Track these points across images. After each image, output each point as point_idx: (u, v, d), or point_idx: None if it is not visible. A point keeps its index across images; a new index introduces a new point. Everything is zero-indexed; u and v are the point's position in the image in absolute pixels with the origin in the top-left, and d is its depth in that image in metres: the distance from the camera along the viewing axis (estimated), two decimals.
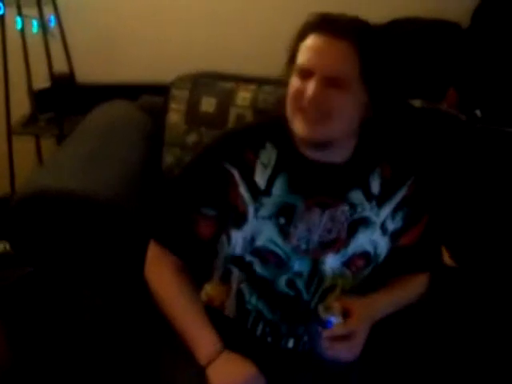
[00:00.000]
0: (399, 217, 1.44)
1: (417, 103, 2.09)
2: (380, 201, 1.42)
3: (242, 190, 1.38)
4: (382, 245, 1.44)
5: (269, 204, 1.37)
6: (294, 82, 1.33)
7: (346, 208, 1.39)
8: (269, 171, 1.38)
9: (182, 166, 1.88)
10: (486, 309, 1.75)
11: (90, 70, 2.74)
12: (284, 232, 1.37)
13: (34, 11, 2.52)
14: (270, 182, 1.38)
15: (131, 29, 2.72)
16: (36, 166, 2.87)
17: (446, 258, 1.87)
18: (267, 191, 1.37)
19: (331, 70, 1.28)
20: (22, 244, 1.73)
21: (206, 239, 1.42)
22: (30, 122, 2.74)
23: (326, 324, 1.30)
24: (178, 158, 2.14)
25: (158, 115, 2.25)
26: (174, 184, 1.51)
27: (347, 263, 1.41)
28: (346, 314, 1.32)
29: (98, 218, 1.69)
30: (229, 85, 2.19)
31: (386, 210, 1.43)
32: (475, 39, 2.36)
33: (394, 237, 1.45)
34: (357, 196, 1.40)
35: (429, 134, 2.00)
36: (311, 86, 1.28)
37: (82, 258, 1.72)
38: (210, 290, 1.50)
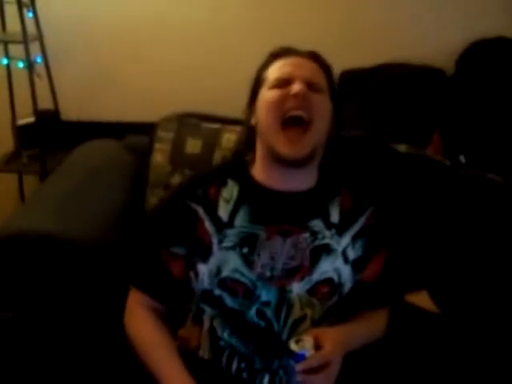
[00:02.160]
0: (359, 245, 1.50)
1: (402, 148, 2.10)
2: (340, 229, 1.48)
3: (207, 225, 1.44)
4: (346, 273, 1.48)
5: (232, 235, 1.43)
6: (271, 93, 1.43)
7: (307, 235, 1.44)
8: (231, 205, 1.46)
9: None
10: (469, 355, 1.73)
11: (76, 108, 2.74)
12: (248, 261, 1.41)
13: (20, 48, 2.51)
14: (233, 214, 1.45)
15: (117, 68, 2.72)
16: (18, 204, 2.84)
17: (430, 304, 1.87)
18: (230, 223, 1.44)
19: (310, 76, 1.43)
20: (1, 287, 1.70)
21: (179, 279, 1.47)
22: (13, 158, 2.72)
23: (298, 357, 1.30)
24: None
25: (142, 155, 2.25)
26: (143, 227, 1.58)
27: (312, 291, 1.43)
28: (317, 346, 1.33)
29: (77, 261, 1.67)
30: (214, 126, 2.20)
31: (347, 239, 1.48)
32: (460, 86, 2.39)
33: (356, 266, 1.50)
34: (317, 224, 1.46)
35: (413, 180, 2.00)
36: (296, 86, 1.39)
37: (61, 302, 1.69)
38: (183, 333, 1.51)
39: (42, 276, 1.67)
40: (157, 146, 2.21)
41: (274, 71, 1.46)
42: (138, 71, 2.71)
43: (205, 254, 1.43)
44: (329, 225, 1.47)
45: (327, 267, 1.44)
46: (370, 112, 2.42)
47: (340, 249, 1.47)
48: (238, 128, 2.18)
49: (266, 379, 1.44)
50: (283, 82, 1.42)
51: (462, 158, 2.06)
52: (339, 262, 1.46)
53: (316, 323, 1.44)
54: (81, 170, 2.17)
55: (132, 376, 1.51)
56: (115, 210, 1.98)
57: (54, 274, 1.67)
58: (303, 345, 1.31)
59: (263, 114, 1.43)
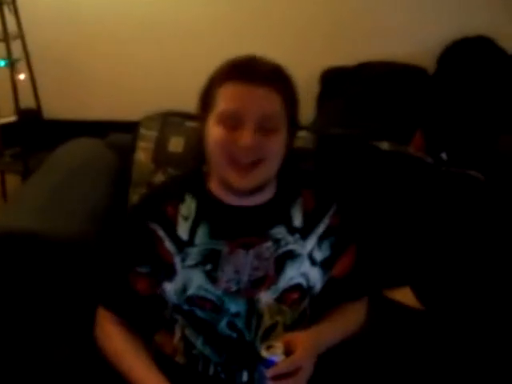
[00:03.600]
0: (325, 246, 1.47)
1: (384, 145, 2.11)
2: (303, 233, 1.45)
3: (167, 244, 1.42)
4: (314, 275, 1.47)
5: (194, 253, 1.41)
6: (219, 132, 1.33)
7: (270, 244, 1.42)
8: (190, 222, 1.42)
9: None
10: (452, 351, 1.75)
11: (58, 106, 2.74)
12: (212, 277, 1.40)
13: (1, 47, 2.50)
14: (192, 232, 1.42)
15: (100, 67, 2.72)
16: (1, 202, 2.83)
17: (413, 301, 1.88)
18: (190, 242, 1.41)
19: (262, 113, 1.32)
20: None
21: (147, 295, 1.45)
22: None
23: (268, 363, 1.30)
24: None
25: (125, 153, 2.24)
26: (109, 247, 1.54)
27: (281, 298, 1.43)
28: (289, 351, 1.32)
29: (60, 258, 1.66)
30: (197, 124, 2.19)
31: (312, 241, 1.46)
32: (441, 84, 2.41)
33: (326, 266, 1.48)
34: (279, 231, 1.43)
35: (395, 177, 2.01)
36: (246, 137, 1.30)
37: (44, 299, 1.68)
38: (158, 338, 1.52)
39: (26, 274, 1.66)
40: (140, 144, 2.20)
41: (225, 99, 1.33)
42: (121, 70, 2.71)
43: (169, 273, 1.42)
44: (292, 230, 1.44)
45: (293, 273, 1.43)
46: (351, 110, 2.44)
47: (305, 252, 1.45)
48: None
49: (245, 377, 1.44)
50: (232, 120, 1.31)
51: (444, 156, 2.07)
52: (306, 265, 1.45)
53: (289, 328, 1.44)
54: (63, 168, 2.16)
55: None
56: (98, 209, 1.97)
57: (38, 272, 1.66)
58: (273, 351, 1.31)
59: (211, 146, 1.37)
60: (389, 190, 1.99)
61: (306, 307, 1.48)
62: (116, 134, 2.45)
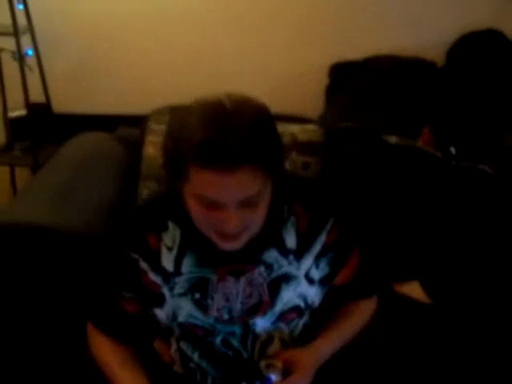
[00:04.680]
0: (323, 263, 1.37)
1: (392, 139, 2.11)
2: (298, 254, 1.34)
3: (152, 276, 1.33)
4: (312, 294, 1.39)
5: (181, 282, 1.33)
6: (198, 209, 1.19)
7: (262, 269, 1.33)
8: (174, 252, 1.33)
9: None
10: (460, 345, 1.76)
11: (67, 100, 2.74)
12: (201, 306, 1.33)
13: (11, 41, 2.51)
14: (178, 262, 1.33)
15: (109, 60, 2.72)
16: (10, 196, 2.84)
17: (422, 295, 1.88)
18: (177, 271, 1.33)
19: (242, 198, 1.15)
20: None
21: (136, 315, 1.40)
22: (5, 150, 2.73)
23: (266, 381, 1.30)
24: (153, 192, 2.13)
25: (134, 147, 2.25)
26: (96, 271, 1.47)
27: (278, 320, 1.38)
28: (288, 369, 1.30)
29: (70, 251, 1.68)
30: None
31: (308, 261, 1.35)
32: (450, 78, 2.40)
33: (325, 282, 1.40)
34: (271, 255, 1.33)
35: (404, 171, 2.01)
36: (228, 223, 1.18)
37: (53, 292, 1.70)
38: (157, 346, 1.50)
39: (36, 266, 1.67)
40: (149, 138, 2.22)
41: (199, 185, 1.15)
42: (130, 64, 2.71)
43: (158, 301, 1.35)
44: (284, 252, 1.33)
45: (290, 296, 1.35)
46: (360, 104, 2.43)
47: (301, 273, 1.35)
48: None
49: None
50: (211, 203, 1.16)
51: (453, 150, 2.07)
52: (303, 286, 1.36)
53: (287, 343, 1.40)
54: (73, 162, 2.17)
55: None
56: (107, 202, 1.99)
57: (47, 265, 1.67)
58: (272, 369, 1.30)
59: (191, 213, 1.23)
60: (398, 183, 1.99)
61: (306, 321, 1.43)
62: (125, 128, 2.46)
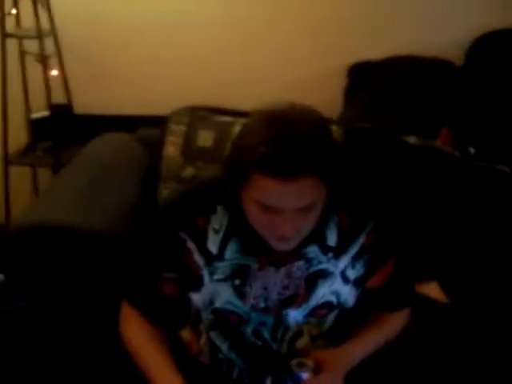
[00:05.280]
0: (360, 265, 1.41)
1: (411, 140, 2.11)
2: (337, 252, 1.38)
3: (196, 257, 1.37)
4: (346, 293, 1.42)
5: (222, 267, 1.37)
6: (257, 212, 1.24)
7: (302, 263, 1.37)
8: (220, 236, 1.36)
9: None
10: (478, 345, 1.76)
11: (89, 102, 2.77)
12: (240, 292, 1.37)
13: (35, 43, 2.54)
14: (222, 246, 1.36)
15: (130, 62, 2.75)
16: (32, 196, 2.88)
17: (441, 295, 1.88)
18: (220, 256, 1.37)
19: (300, 205, 1.20)
20: (17, 276, 1.73)
21: (173, 298, 1.43)
22: (28, 150, 2.76)
23: (297, 379, 1.32)
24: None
25: (154, 148, 2.27)
26: (138, 250, 1.50)
27: (310, 315, 1.40)
28: (318, 368, 1.33)
29: (92, 252, 1.69)
30: (226, 119, 2.21)
31: (345, 260, 1.39)
32: (469, 78, 2.40)
33: (359, 283, 1.43)
34: (312, 250, 1.37)
35: (423, 171, 2.01)
36: (284, 229, 1.22)
37: (75, 291, 1.72)
38: (184, 335, 1.51)
39: (58, 265, 1.69)
40: (169, 138, 2.23)
41: (261, 192, 1.20)
42: (151, 65, 2.74)
43: (196, 284, 1.39)
44: (325, 249, 1.37)
45: (324, 291, 1.39)
46: (378, 104, 2.43)
47: (338, 271, 1.39)
48: None
49: (269, 382, 1.45)
50: (270, 208, 1.21)
51: (472, 150, 2.06)
52: (338, 283, 1.39)
53: (315, 338, 1.43)
54: (94, 163, 2.20)
55: None
56: (128, 202, 2.00)
57: (70, 264, 1.69)
58: (303, 368, 1.32)
59: (249, 216, 1.28)
60: (416, 183, 2.00)
61: (335, 320, 1.45)
62: (145, 129, 2.48)
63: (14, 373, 1.86)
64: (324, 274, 1.38)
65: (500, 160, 2.06)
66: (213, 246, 1.36)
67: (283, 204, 1.19)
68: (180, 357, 1.43)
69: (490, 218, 1.95)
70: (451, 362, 1.72)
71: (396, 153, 2.06)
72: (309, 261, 1.37)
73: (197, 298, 1.40)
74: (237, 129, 2.17)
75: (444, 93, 2.39)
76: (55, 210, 1.81)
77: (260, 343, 1.41)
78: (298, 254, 1.36)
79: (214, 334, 1.43)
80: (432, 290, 1.89)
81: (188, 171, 2.16)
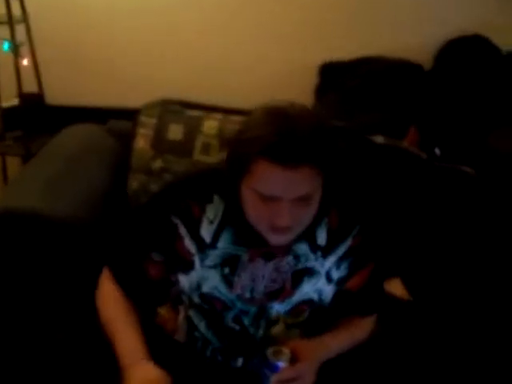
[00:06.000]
0: (344, 266, 1.46)
1: (378, 139, 2.14)
2: (325, 251, 1.43)
3: (188, 243, 1.40)
4: (327, 292, 1.47)
5: (214, 255, 1.40)
6: (255, 202, 1.28)
7: (290, 258, 1.41)
8: (215, 226, 1.40)
9: (140, 204, 1.84)
10: (439, 343, 1.80)
11: (60, 92, 2.75)
12: (228, 281, 1.40)
13: (5, 31, 2.52)
14: (216, 236, 1.40)
15: (102, 53, 2.73)
16: (1, 185, 2.85)
17: (402, 292, 1.92)
18: (213, 244, 1.40)
19: (299, 194, 1.25)
20: None
21: (156, 280, 1.45)
22: None
23: (273, 368, 1.34)
24: (142, 184, 2.16)
25: (125, 140, 2.27)
26: (127, 226, 1.52)
27: (292, 310, 1.44)
28: (293, 357, 1.35)
29: (59, 238, 1.69)
30: (196, 113, 2.22)
31: (331, 260, 1.44)
32: (437, 81, 2.44)
33: (340, 283, 1.48)
34: (302, 247, 1.41)
35: (389, 171, 2.04)
36: (282, 218, 1.25)
37: (42, 278, 1.72)
38: (162, 313, 1.53)
39: (27, 252, 1.69)
40: (139, 131, 2.23)
41: (261, 181, 1.24)
42: (123, 57, 2.72)
43: (186, 268, 1.41)
44: (314, 248, 1.42)
45: (308, 289, 1.43)
46: (348, 104, 2.45)
47: (323, 270, 1.44)
48: (220, 115, 2.22)
49: (240, 362, 1.48)
50: (269, 197, 1.25)
51: (437, 151, 2.10)
52: (322, 282, 1.44)
53: (290, 326, 1.47)
54: (64, 152, 2.19)
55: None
56: (97, 192, 2.00)
57: (37, 251, 1.69)
58: (280, 356, 1.34)
59: (246, 206, 1.32)
60: (381, 182, 2.02)
61: (310, 313, 1.49)
62: (116, 121, 2.48)
63: None
64: (310, 272, 1.43)
65: (464, 161, 2.10)
66: (206, 234, 1.40)
67: (282, 192, 1.23)
68: (154, 334, 1.45)
69: (452, 218, 1.98)
70: (413, 358, 1.75)
71: (362, 151, 2.08)
72: (297, 257, 1.41)
73: (185, 280, 1.43)
74: (207, 123, 2.19)
75: (412, 94, 2.42)
76: (23, 197, 1.80)
77: (238, 328, 1.44)
78: (288, 249, 1.40)
79: (192, 313, 1.46)
80: (395, 287, 1.92)
81: (157, 163, 2.16)
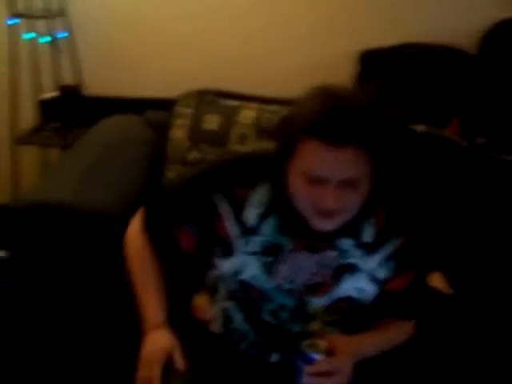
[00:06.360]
0: (390, 267, 1.43)
1: (420, 128, 2.10)
2: (370, 249, 1.40)
3: (229, 225, 1.38)
4: (369, 291, 1.43)
5: (256, 241, 1.37)
6: (302, 185, 1.26)
7: (334, 253, 1.38)
8: (260, 210, 1.37)
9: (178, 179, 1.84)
10: (482, 337, 1.74)
11: (98, 83, 2.77)
12: (268, 270, 1.38)
13: (45, 24, 2.55)
14: (260, 221, 1.37)
15: (139, 44, 2.74)
16: (40, 176, 2.90)
17: (445, 286, 1.87)
18: (255, 230, 1.37)
19: (347, 178, 1.23)
20: (20, 253, 1.74)
21: (188, 252, 1.44)
22: (37, 131, 2.77)
23: (308, 360, 1.31)
24: (179, 175, 2.15)
25: (161, 130, 2.28)
26: (164, 196, 1.51)
27: (331, 305, 1.41)
28: (330, 351, 1.32)
29: (94, 231, 1.70)
30: (232, 103, 2.22)
31: (376, 259, 1.41)
32: (481, 67, 2.37)
33: (383, 284, 1.45)
34: (346, 243, 1.38)
35: (432, 161, 2.00)
36: (329, 200, 1.24)
37: (77, 270, 1.73)
38: (198, 301, 1.52)
39: (62, 245, 1.70)
40: (176, 121, 2.24)
41: (309, 160, 1.23)
42: (159, 48, 2.73)
43: (225, 252, 1.39)
44: (359, 244, 1.39)
45: (348, 286, 1.40)
46: (389, 91, 2.41)
47: (367, 268, 1.41)
48: (256, 105, 2.20)
49: (275, 357, 1.46)
50: (316, 179, 1.24)
51: (480, 140, 2.05)
52: (363, 281, 1.41)
53: (328, 323, 1.44)
54: (101, 144, 2.21)
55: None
56: (134, 184, 2.01)
57: (72, 243, 1.70)
58: (316, 349, 1.32)
59: (294, 191, 1.30)
60: (426, 176, 1.98)
61: (349, 312, 1.46)
62: (153, 112, 2.49)
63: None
64: (352, 269, 1.40)
65: (509, 151, 2.04)
66: (249, 218, 1.37)
67: (329, 173, 1.22)
68: (189, 323, 1.46)
69: (495, 210, 1.93)
70: (453, 353, 1.71)
71: (403, 140, 2.04)
72: (341, 252, 1.39)
73: (224, 265, 1.40)
74: (242, 113, 2.17)
75: (456, 82, 2.36)
76: (59, 189, 1.82)
77: (275, 322, 1.42)
78: (332, 243, 1.38)
79: (229, 304, 1.44)
80: (437, 281, 1.88)
81: (193, 154, 2.16)
